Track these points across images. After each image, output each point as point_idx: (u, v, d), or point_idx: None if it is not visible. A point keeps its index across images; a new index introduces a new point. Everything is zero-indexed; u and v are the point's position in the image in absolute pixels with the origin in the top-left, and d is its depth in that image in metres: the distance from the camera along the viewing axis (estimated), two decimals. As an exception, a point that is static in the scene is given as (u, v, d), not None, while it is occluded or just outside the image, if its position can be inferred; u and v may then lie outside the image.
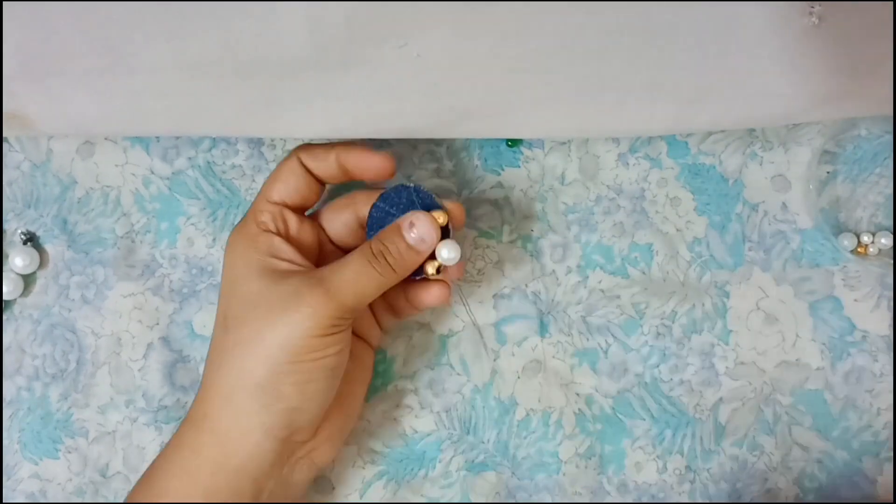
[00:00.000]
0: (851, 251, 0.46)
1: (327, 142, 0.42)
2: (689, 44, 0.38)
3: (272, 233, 0.40)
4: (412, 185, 0.41)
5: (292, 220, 0.41)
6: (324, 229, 0.43)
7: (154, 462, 0.39)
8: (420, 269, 0.40)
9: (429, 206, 0.40)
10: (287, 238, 0.41)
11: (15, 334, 0.46)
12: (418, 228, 0.39)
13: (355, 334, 0.43)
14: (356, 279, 0.38)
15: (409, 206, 0.40)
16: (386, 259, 0.39)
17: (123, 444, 0.46)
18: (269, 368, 0.37)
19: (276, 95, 0.41)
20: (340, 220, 0.43)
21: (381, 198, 0.41)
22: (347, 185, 0.45)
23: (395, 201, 0.40)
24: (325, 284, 0.38)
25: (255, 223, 0.41)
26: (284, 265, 0.39)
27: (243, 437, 0.38)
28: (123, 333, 0.46)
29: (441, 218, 0.40)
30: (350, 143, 0.42)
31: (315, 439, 0.40)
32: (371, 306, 0.44)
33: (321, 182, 0.42)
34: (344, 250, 0.43)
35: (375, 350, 0.45)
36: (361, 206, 0.42)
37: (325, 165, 0.41)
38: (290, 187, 0.41)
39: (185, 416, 0.39)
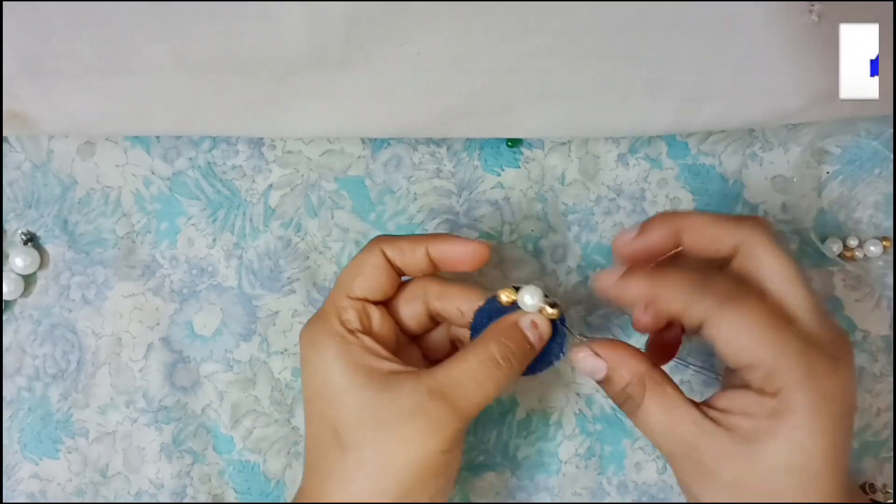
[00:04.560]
0: (839, 255, 0.46)
1: (410, 234, 0.40)
2: (688, 42, 0.38)
3: (360, 331, 0.38)
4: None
5: (375, 315, 0.38)
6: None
7: None
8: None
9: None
10: (371, 334, 0.38)
11: (15, 334, 0.46)
12: (540, 327, 0.38)
13: None
14: (480, 387, 0.36)
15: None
16: (510, 360, 0.36)
17: (123, 444, 0.46)
18: (402, 489, 0.35)
19: (276, 95, 0.41)
20: (411, 310, 0.40)
21: (490, 301, 0.38)
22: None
23: (501, 306, 0.38)
24: (447, 397, 0.35)
25: (339, 321, 0.37)
26: (386, 365, 0.37)
27: None
28: (124, 334, 0.46)
29: (556, 310, 0.38)
30: (438, 235, 0.39)
31: None
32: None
33: (400, 275, 0.40)
34: (410, 335, 0.41)
35: None
36: (434, 299, 0.40)
37: (412, 260, 0.38)
38: (373, 282, 0.38)
39: None
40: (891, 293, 0.46)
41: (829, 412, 0.33)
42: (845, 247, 0.46)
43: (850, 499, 0.35)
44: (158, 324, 0.46)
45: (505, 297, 0.38)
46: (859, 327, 0.46)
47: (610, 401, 0.45)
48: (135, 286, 0.46)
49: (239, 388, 0.46)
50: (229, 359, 0.46)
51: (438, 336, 0.42)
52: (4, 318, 0.46)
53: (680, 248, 0.37)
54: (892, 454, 0.45)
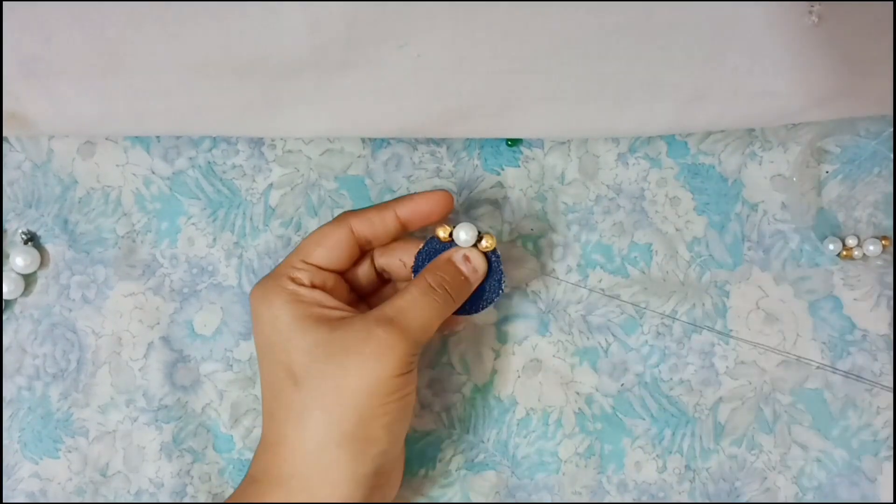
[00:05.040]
0: (837, 255, 0.46)
1: (373, 204, 0.42)
2: (688, 43, 0.38)
3: (310, 287, 0.39)
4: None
5: (329, 280, 0.40)
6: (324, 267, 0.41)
7: None
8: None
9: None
10: (324, 290, 0.40)
11: (15, 334, 0.46)
12: (473, 260, 0.41)
13: None
14: (423, 313, 0.38)
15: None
16: (446, 290, 0.39)
17: (123, 443, 0.46)
18: (358, 415, 0.36)
19: (276, 95, 0.41)
20: (360, 270, 0.42)
21: (429, 242, 0.41)
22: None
23: (439, 245, 0.41)
24: (394, 322, 0.37)
25: (290, 279, 0.39)
26: (336, 313, 0.38)
27: (334, 490, 0.37)
28: (124, 333, 0.46)
29: (488, 241, 0.41)
30: (402, 197, 0.41)
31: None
32: None
33: (367, 248, 0.42)
34: (360, 296, 0.43)
35: None
36: (378, 256, 0.42)
37: (383, 227, 0.41)
38: (333, 254, 0.40)
39: (256, 477, 0.38)
40: (890, 292, 0.46)
41: None
42: (844, 246, 0.46)
43: None
44: (158, 323, 0.46)
45: (442, 232, 0.41)
46: (858, 326, 0.46)
47: (610, 399, 0.46)
48: (135, 285, 0.46)
49: (239, 387, 0.46)
50: (229, 358, 0.46)
51: (387, 295, 0.44)
52: (5, 317, 0.46)
53: None
54: (891, 453, 0.45)
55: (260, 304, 0.39)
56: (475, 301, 0.41)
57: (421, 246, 0.41)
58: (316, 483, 0.37)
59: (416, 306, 0.38)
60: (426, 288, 0.39)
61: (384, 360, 0.36)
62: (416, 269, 0.41)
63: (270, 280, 0.39)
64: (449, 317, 0.40)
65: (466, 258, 0.40)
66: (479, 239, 0.41)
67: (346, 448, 0.36)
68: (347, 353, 0.37)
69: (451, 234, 0.41)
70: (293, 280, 0.39)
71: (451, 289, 0.39)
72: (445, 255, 0.41)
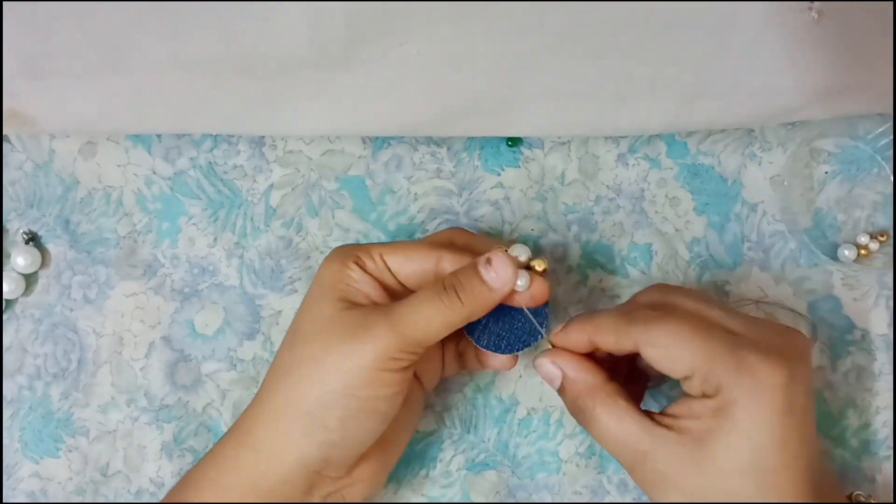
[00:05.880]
0: (854, 260, 0.46)
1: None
2: (687, 40, 0.38)
3: (365, 271, 0.39)
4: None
5: (389, 279, 0.39)
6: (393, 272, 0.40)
7: (191, 471, 0.39)
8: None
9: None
10: (376, 281, 0.39)
11: (16, 333, 0.47)
12: (496, 266, 0.37)
13: (414, 374, 0.40)
14: (423, 312, 0.36)
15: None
16: (457, 293, 0.36)
17: (124, 443, 0.46)
18: (320, 395, 0.36)
19: (277, 93, 0.41)
20: (417, 269, 0.39)
21: None
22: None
23: None
24: (391, 316, 0.36)
25: (354, 259, 0.39)
26: (361, 298, 0.38)
27: (279, 460, 0.37)
28: (125, 333, 0.46)
29: (539, 265, 0.38)
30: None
31: (349, 477, 0.39)
32: (443, 350, 0.43)
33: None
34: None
35: (428, 395, 0.44)
36: (447, 264, 0.39)
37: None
38: (409, 269, 0.39)
39: (240, 428, 0.39)
40: (889, 292, 0.46)
41: (772, 402, 0.34)
42: (858, 248, 0.46)
43: (821, 497, 0.35)
44: (160, 323, 0.46)
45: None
46: (858, 326, 0.46)
47: (610, 399, 0.46)
48: (136, 285, 0.46)
49: (242, 387, 0.46)
50: (232, 357, 0.46)
51: None
52: (6, 316, 0.46)
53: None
54: (891, 453, 0.45)
55: (325, 264, 0.39)
56: (511, 341, 0.39)
57: None
58: (267, 446, 0.37)
59: (420, 304, 0.36)
60: (437, 288, 0.37)
61: (367, 350, 0.36)
62: None
63: (340, 254, 0.39)
64: (483, 352, 0.40)
65: (488, 261, 0.37)
66: (530, 260, 0.38)
67: (300, 423, 0.36)
68: (342, 334, 0.36)
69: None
70: (357, 261, 0.39)
71: (464, 293, 0.36)
72: (470, 260, 0.38)
